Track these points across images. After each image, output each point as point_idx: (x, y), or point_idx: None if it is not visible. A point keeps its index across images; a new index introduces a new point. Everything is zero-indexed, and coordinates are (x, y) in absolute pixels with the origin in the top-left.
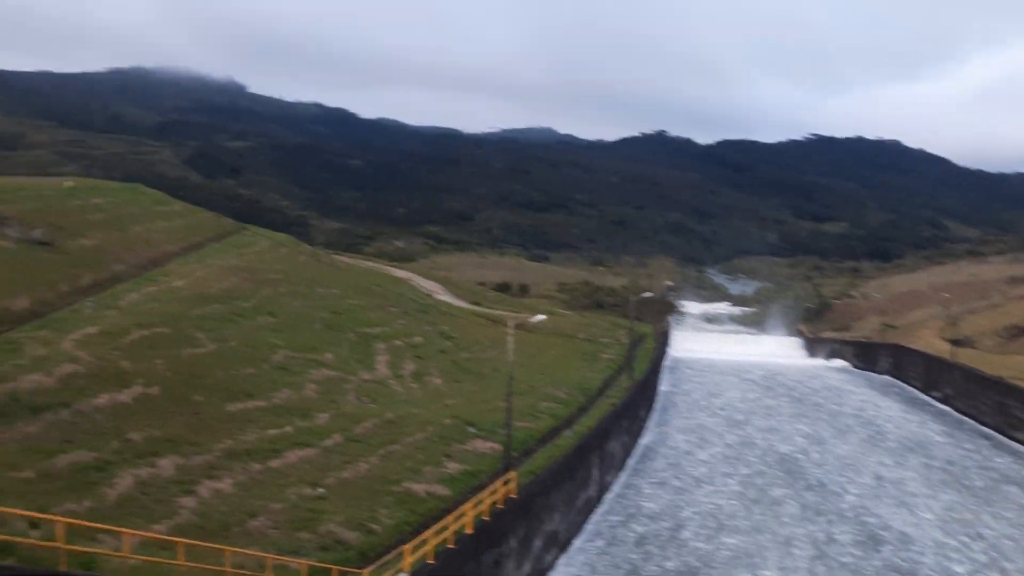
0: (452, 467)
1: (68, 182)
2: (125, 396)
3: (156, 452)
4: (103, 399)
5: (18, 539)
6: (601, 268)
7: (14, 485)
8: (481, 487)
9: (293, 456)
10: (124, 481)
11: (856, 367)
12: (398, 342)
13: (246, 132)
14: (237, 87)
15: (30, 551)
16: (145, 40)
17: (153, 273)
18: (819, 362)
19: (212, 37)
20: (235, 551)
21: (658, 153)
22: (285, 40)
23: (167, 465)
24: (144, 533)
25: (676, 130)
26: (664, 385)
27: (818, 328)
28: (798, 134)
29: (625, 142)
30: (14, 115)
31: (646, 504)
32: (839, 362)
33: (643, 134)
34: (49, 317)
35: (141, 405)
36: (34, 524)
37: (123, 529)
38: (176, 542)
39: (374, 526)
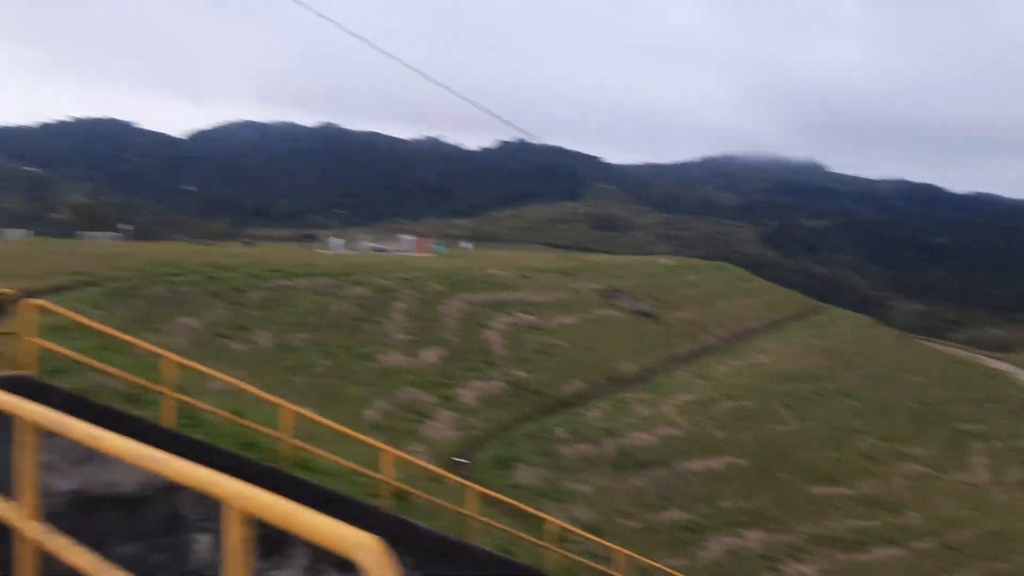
0: None
1: (666, 260)
2: (716, 464)
3: (743, 523)
4: (696, 464)
5: None
6: None
7: (625, 532)
8: None
9: (881, 553)
10: (714, 546)
11: None
12: (998, 443)
13: (824, 210)
14: (816, 167)
15: None
16: (733, 129)
17: (738, 347)
18: None
19: (792, 121)
20: None
21: None
22: (866, 118)
23: (753, 538)
24: None
25: None
26: None
27: None
28: None
29: None
30: (623, 202)
31: None
32: None
33: None
34: (651, 381)
35: (730, 474)
36: (644, 571)
37: None
38: None
39: None
